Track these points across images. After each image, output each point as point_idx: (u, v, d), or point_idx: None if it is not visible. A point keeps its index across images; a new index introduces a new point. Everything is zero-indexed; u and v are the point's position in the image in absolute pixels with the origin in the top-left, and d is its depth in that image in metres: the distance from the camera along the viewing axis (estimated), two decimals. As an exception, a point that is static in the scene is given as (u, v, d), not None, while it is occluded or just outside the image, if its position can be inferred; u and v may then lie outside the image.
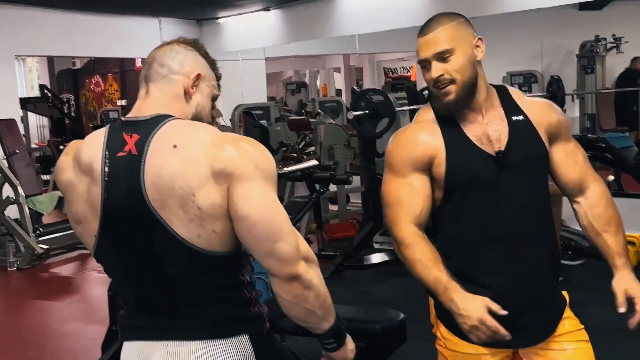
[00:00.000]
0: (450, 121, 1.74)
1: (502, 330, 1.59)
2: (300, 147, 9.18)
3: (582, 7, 8.94)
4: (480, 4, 6.69)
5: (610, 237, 1.73)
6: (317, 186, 5.34)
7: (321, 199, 6.82)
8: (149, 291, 1.47)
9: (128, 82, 12.10)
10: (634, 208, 5.27)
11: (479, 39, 1.71)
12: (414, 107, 5.75)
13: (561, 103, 6.07)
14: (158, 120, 1.43)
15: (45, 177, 9.56)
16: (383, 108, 4.91)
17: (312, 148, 8.49)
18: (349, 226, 6.31)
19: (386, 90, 10.65)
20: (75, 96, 12.92)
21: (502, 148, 1.71)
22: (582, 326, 1.79)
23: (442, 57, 1.67)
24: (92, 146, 1.46)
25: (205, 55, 1.56)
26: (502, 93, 1.80)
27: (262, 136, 3.62)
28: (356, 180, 5.63)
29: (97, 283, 5.48)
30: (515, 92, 1.83)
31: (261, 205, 1.38)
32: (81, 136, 7.94)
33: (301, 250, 1.41)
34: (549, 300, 1.75)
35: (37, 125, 12.37)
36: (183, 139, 1.39)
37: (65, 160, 1.52)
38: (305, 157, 7.69)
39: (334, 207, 6.94)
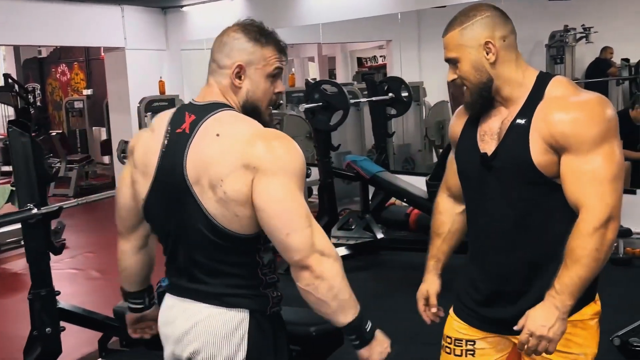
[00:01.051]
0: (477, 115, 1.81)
1: (424, 316, 1.96)
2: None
3: (551, -5, 8.88)
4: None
5: (563, 267, 1.60)
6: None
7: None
8: (177, 253, 1.67)
9: (94, 71, 11.86)
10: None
11: (487, 42, 1.67)
12: (373, 98, 5.65)
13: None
14: (212, 108, 1.61)
15: (5, 169, 9.38)
16: (337, 100, 4.78)
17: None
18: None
19: (356, 80, 10.57)
20: (41, 85, 12.67)
21: (493, 149, 1.71)
22: (576, 353, 1.71)
23: (452, 63, 1.72)
24: (161, 120, 1.68)
25: (255, 38, 1.64)
26: (540, 86, 1.68)
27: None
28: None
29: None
30: (556, 85, 1.67)
31: (277, 200, 1.52)
32: (47, 126, 7.78)
33: (316, 244, 1.53)
34: (520, 304, 1.70)
35: (2, 115, 12.12)
36: (226, 130, 1.57)
37: (142, 132, 1.76)
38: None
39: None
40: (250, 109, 1.65)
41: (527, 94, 1.68)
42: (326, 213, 5.06)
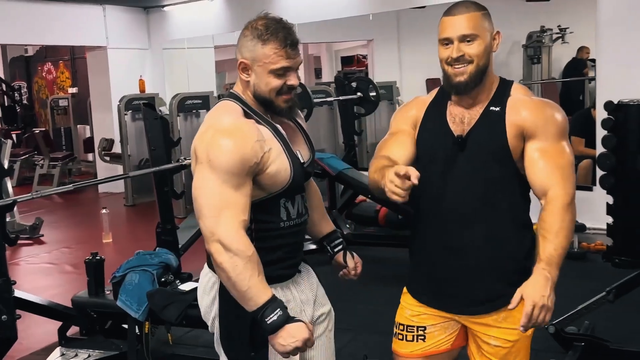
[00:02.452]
0: (444, 98, 1.92)
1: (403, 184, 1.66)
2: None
3: (529, -3, 9.00)
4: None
5: (544, 242, 1.74)
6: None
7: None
8: None
9: (79, 70, 11.96)
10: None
11: (497, 32, 1.85)
12: (340, 98, 5.78)
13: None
14: (223, 98, 1.84)
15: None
16: (301, 99, 4.90)
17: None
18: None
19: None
20: (27, 83, 12.76)
21: (465, 132, 1.85)
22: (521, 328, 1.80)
23: (466, 39, 1.79)
24: None
25: (257, 36, 1.73)
26: (504, 85, 1.89)
27: (163, 129, 3.59)
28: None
29: (26, 273, 5.52)
30: (518, 88, 1.89)
31: (196, 187, 1.71)
32: (33, 124, 7.88)
33: (215, 234, 1.67)
34: (481, 280, 1.83)
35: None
36: (206, 118, 1.79)
37: None
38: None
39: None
40: (260, 100, 1.79)
41: (495, 88, 1.88)
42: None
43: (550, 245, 1.73)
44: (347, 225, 5.51)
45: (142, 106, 3.67)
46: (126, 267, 3.18)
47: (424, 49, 9.77)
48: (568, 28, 9.28)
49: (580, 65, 9.08)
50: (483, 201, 1.85)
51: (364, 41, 11.44)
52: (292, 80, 1.76)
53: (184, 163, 3.77)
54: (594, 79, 7.11)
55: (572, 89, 8.99)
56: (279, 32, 1.73)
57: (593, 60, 6.76)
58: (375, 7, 7.44)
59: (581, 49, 9.06)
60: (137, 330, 3.13)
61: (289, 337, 1.67)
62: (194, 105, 7.45)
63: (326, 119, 7.34)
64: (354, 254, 2.07)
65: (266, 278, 1.77)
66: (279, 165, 1.76)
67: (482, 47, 1.79)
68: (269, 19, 1.76)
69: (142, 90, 8.41)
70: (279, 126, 1.82)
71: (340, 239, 2.11)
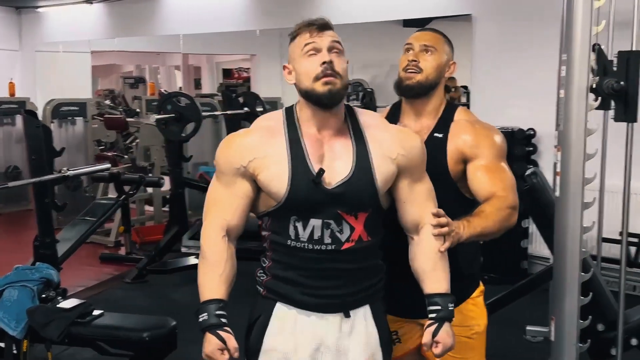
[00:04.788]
0: (394, 120, 2.07)
1: None
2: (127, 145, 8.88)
3: (406, 24, 9.43)
4: (311, 13, 6.87)
5: (474, 216, 1.86)
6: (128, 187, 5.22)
7: (137, 201, 6.67)
8: None
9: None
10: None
11: (454, 62, 2.05)
12: (228, 112, 5.79)
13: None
14: None
15: None
16: (189, 112, 4.88)
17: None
18: (163, 229, 6.20)
19: (221, 91, 10.60)
20: None
21: None
22: (471, 324, 2.06)
23: (425, 50, 2.00)
24: None
25: (290, 37, 1.77)
26: (449, 109, 2.05)
27: (46, 137, 3.44)
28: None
29: None
30: (462, 112, 2.05)
31: None
32: None
33: (203, 227, 1.82)
34: (414, 291, 1.91)
35: None
36: None
37: None
38: (126, 156, 7.48)
39: (150, 209, 6.81)
40: (305, 96, 1.76)
41: (440, 113, 2.05)
42: (176, 222, 5.11)
43: (476, 219, 1.84)
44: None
45: (23, 113, 3.51)
46: (4, 282, 3.01)
47: (307, 67, 10.05)
48: (442, 54, 9.83)
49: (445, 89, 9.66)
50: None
51: (248, 55, 11.49)
52: (323, 58, 1.71)
53: (66, 174, 3.64)
54: (465, 104, 7.58)
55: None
56: (303, 22, 1.78)
57: (465, 87, 7.20)
58: (259, 24, 7.51)
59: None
60: (14, 349, 2.96)
61: (205, 343, 1.74)
62: (70, 112, 7.15)
63: (211, 132, 7.29)
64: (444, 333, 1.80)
65: (282, 297, 1.81)
66: (272, 174, 1.71)
67: (436, 62, 2.00)
68: (301, 22, 1.80)
69: (12, 94, 7.96)
70: (304, 138, 1.75)
71: (438, 308, 1.80)
